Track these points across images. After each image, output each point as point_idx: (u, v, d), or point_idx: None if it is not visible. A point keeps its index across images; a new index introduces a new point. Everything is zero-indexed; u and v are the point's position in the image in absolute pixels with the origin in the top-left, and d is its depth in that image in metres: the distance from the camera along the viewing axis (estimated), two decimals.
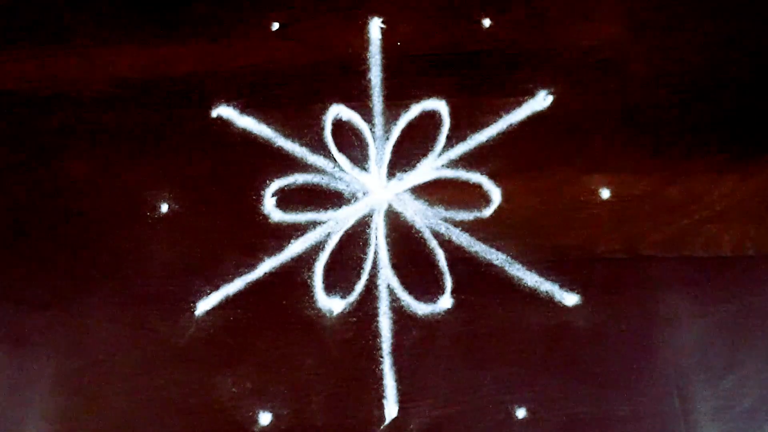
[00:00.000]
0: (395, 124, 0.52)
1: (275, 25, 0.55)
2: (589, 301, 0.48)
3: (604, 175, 0.50)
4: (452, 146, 0.51)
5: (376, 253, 0.50)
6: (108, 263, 0.51)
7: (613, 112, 0.51)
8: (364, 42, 0.54)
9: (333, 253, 0.50)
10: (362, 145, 0.52)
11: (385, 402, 0.47)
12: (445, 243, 0.49)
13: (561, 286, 0.48)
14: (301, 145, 0.52)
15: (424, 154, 0.51)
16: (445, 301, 0.48)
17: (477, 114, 0.52)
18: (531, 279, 0.48)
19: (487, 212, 0.50)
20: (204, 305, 0.49)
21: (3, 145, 0.54)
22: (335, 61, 0.54)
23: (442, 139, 0.51)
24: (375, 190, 0.51)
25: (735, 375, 0.46)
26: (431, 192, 0.51)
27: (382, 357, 0.47)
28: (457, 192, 0.50)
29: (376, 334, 0.48)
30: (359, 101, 0.53)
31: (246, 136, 0.53)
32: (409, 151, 0.52)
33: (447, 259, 0.49)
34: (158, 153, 0.53)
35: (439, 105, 0.52)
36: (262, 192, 0.51)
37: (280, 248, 0.50)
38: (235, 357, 0.48)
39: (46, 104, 0.54)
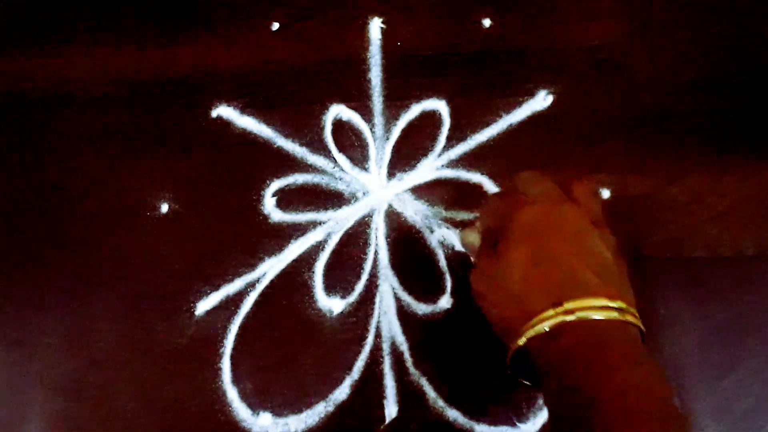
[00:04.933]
0: (395, 124, 0.52)
1: (275, 25, 0.55)
2: None
3: (604, 175, 0.50)
4: (452, 146, 0.51)
5: (376, 253, 0.50)
6: (108, 263, 0.51)
7: (613, 111, 0.51)
8: (364, 42, 0.54)
9: (333, 254, 0.50)
10: (362, 145, 0.52)
11: (385, 402, 0.47)
12: (445, 243, 0.49)
13: None
14: (301, 145, 0.52)
15: (424, 154, 0.51)
16: (445, 301, 0.48)
17: (477, 114, 0.52)
18: None
19: None
20: (204, 305, 0.49)
21: (3, 145, 0.54)
22: (335, 61, 0.54)
23: (442, 139, 0.51)
24: (375, 190, 0.51)
25: (735, 375, 0.46)
26: (431, 192, 0.51)
27: (382, 357, 0.47)
28: (457, 192, 0.50)
29: (376, 334, 0.48)
30: (359, 101, 0.53)
31: (246, 136, 0.53)
32: (409, 151, 0.52)
33: (447, 259, 0.49)
34: (158, 153, 0.53)
35: (439, 105, 0.52)
36: (262, 192, 0.51)
37: (280, 248, 0.50)
38: (235, 357, 0.48)
39: (46, 104, 0.54)
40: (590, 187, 0.41)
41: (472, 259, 0.44)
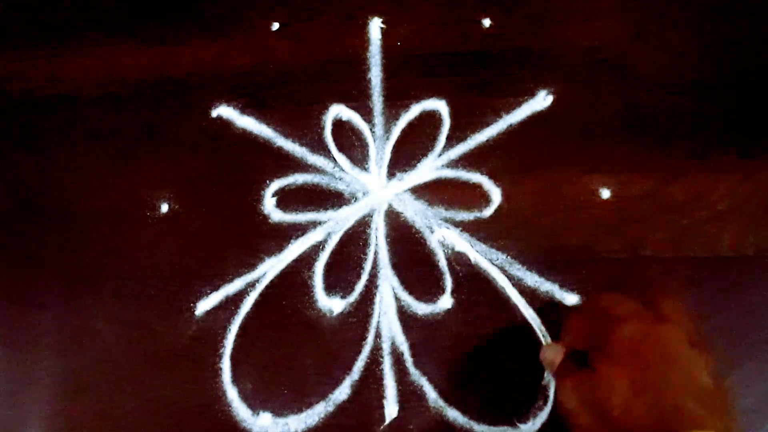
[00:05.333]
0: (395, 124, 0.52)
1: (275, 25, 0.55)
2: None
3: (604, 175, 0.50)
4: (452, 146, 0.51)
5: (376, 253, 0.50)
6: (108, 263, 0.51)
7: (613, 112, 0.51)
8: (364, 42, 0.54)
9: (333, 253, 0.50)
10: (362, 145, 0.52)
11: (385, 402, 0.47)
12: (445, 243, 0.49)
13: (561, 286, 0.48)
14: (301, 145, 0.52)
15: (424, 154, 0.51)
16: (445, 301, 0.48)
17: (477, 114, 0.52)
18: (531, 279, 0.48)
19: (487, 212, 0.50)
20: (204, 305, 0.49)
21: (2, 145, 0.54)
22: (335, 61, 0.54)
23: (442, 139, 0.51)
24: (375, 190, 0.51)
25: (735, 375, 0.46)
26: (431, 192, 0.51)
27: (382, 357, 0.47)
28: (457, 192, 0.50)
29: (376, 334, 0.48)
30: (359, 101, 0.53)
31: (246, 136, 0.53)
32: (409, 151, 0.52)
33: (447, 259, 0.49)
34: (158, 153, 0.53)
35: (439, 105, 0.52)
36: (262, 192, 0.51)
37: (280, 248, 0.50)
38: (235, 357, 0.48)
39: (46, 104, 0.54)
40: (679, 305, 0.40)
41: (545, 374, 0.44)
